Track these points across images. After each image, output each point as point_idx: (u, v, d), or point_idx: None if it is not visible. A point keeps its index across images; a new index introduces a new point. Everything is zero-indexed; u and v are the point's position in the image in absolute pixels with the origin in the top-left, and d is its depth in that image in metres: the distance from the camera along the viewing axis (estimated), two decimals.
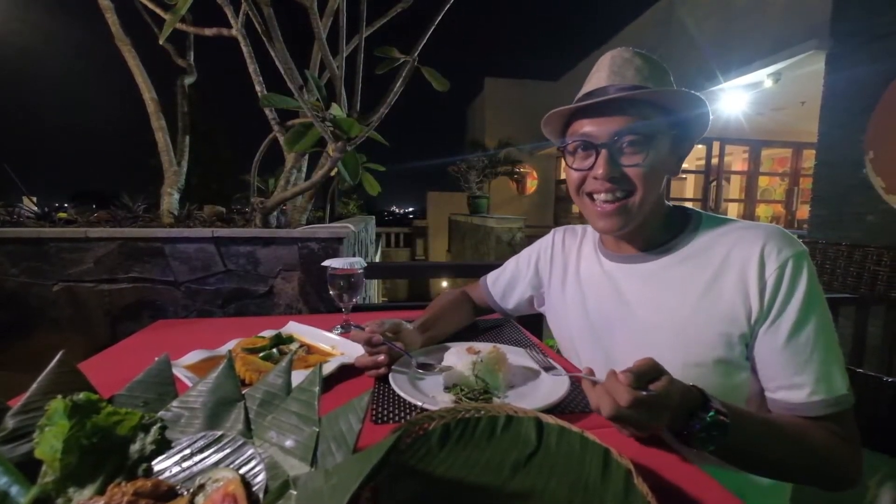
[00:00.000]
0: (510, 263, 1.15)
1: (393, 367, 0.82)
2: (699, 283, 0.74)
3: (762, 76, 4.90)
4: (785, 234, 0.71)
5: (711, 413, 0.55)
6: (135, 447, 0.45)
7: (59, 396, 0.43)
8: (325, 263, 1.11)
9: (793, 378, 0.67)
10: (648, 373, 0.54)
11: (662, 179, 0.77)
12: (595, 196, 0.77)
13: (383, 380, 0.80)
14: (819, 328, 0.67)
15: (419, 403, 0.69)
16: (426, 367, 0.82)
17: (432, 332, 0.99)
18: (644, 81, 0.73)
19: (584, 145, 0.76)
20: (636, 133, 0.71)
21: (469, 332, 1.13)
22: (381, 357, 0.82)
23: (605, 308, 0.86)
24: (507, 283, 1.13)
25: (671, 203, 0.84)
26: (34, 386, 0.48)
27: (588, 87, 0.78)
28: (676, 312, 0.75)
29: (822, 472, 0.65)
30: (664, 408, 0.54)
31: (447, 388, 0.75)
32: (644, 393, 0.52)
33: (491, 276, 1.18)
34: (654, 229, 0.81)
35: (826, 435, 0.65)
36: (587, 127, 0.74)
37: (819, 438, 0.64)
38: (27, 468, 0.42)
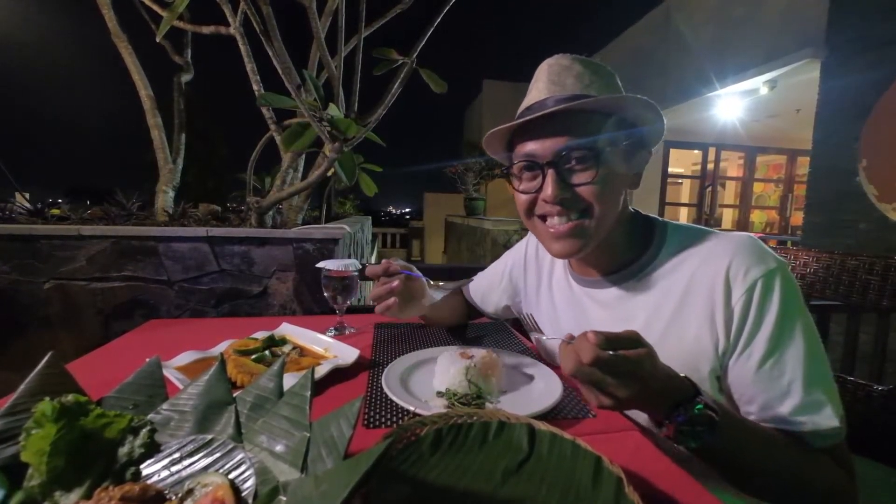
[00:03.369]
0: (490, 269, 1.13)
1: (386, 370, 0.82)
2: (664, 314, 0.69)
3: (758, 83, 4.95)
4: (755, 250, 0.64)
5: (699, 406, 0.51)
6: (123, 450, 0.45)
7: (47, 398, 0.43)
8: (320, 265, 1.10)
9: (770, 411, 0.61)
10: (625, 341, 0.51)
11: (620, 194, 0.71)
12: (548, 218, 0.71)
13: (376, 384, 0.80)
14: (797, 354, 0.60)
15: (411, 408, 0.68)
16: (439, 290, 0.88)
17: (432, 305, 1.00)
18: (585, 89, 0.67)
19: (529, 165, 0.70)
20: (583, 148, 0.65)
21: (462, 336, 1.13)
22: (395, 282, 0.85)
23: (575, 333, 0.83)
24: (484, 290, 1.11)
25: (633, 209, 0.79)
26: (21, 387, 0.47)
27: (527, 100, 0.72)
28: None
29: (815, 495, 0.59)
30: (633, 377, 0.50)
31: (440, 393, 0.75)
32: (609, 353, 0.49)
33: (475, 280, 1.16)
34: (617, 247, 0.76)
35: (823, 459, 0.60)
36: (529, 146, 0.68)
37: (814, 458, 0.59)
38: (13, 471, 0.41)
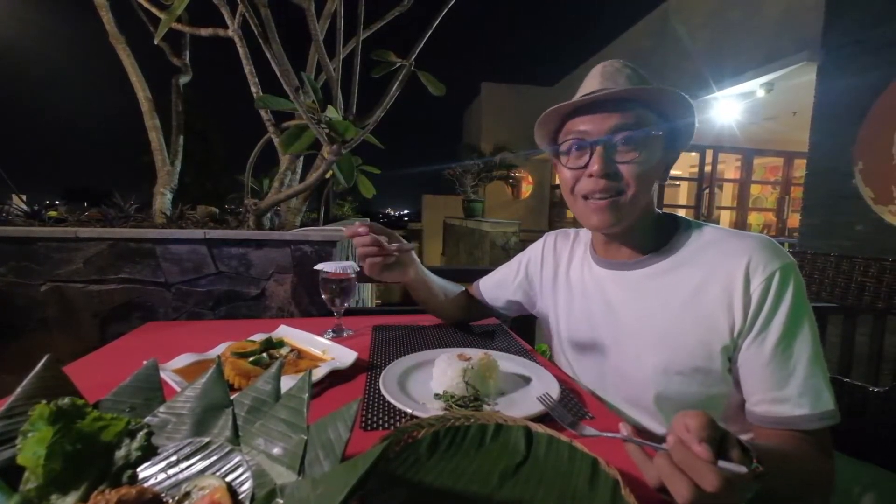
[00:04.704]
0: (502, 267, 1.17)
1: (383, 372, 0.82)
2: (684, 291, 0.75)
3: (755, 86, 4.97)
4: (772, 246, 0.71)
5: (753, 465, 0.45)
6: (120, 453, 0.45)
7: (44, 401, 0.43)
8: (318, 267, 1.10)
9: (776, 392, 0.66)
10: (715, 436, 0.44)
11: (653, 180, 0.78)
12: (589, 196, 0.78)
13: (373, 386, 0.80)
14: (804, 342, 0.66)
15: (409, 410, 0.68)
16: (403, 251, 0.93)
17: (427, 277, 1.08)
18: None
19: (579, 144, 0.77)
20: (630, 129, 0.73)
21: (460, 338, 1.13)
22: (366, 238, 0.89)
23: (593, 314, 0.87)
24: (496, 284, 1.15)
25: (661, 210, 0.86)
26: (18, 390, 0.47)
27: (582, 91, 0.80)
28: (659, 319, 0.76)
29: (811, 489, 0.63)
30: (742, 481, 0.43)
31: (437, 396, 0.75)
32: (732, 472, 0.41)
33: (485, 278, 1.20)
34: (645, 235, 0.82)
35: (815, 453, 0.64)
36: (582, 125, 0.76)
37: (812, 458, 0.63)
38: (9, 474, 0.41)
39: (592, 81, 0.79)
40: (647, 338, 0.77)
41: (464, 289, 1.23)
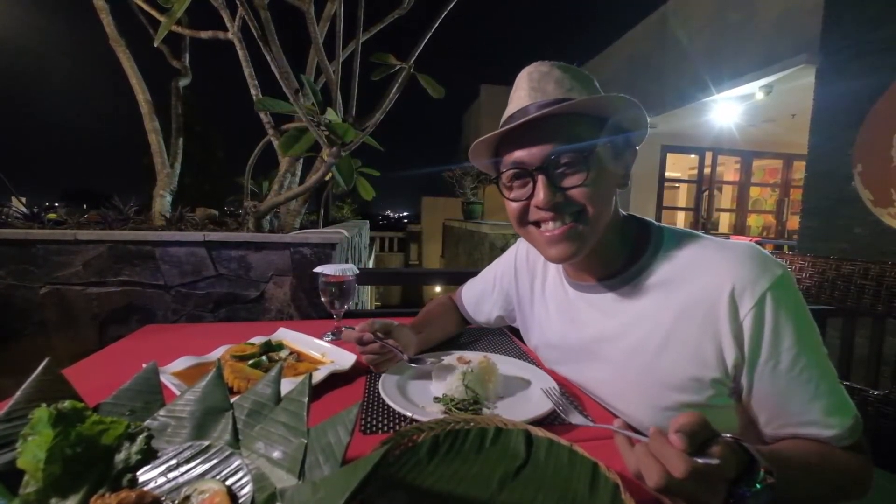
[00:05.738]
0: (480, 277, 1.12)
1: (383, 375, 0.82)
2: (664, 321, 0.67)
3: (754, 88, 4.99)
4: (758, 258, 0.63)
5: (761, 474, 0.46)
6: (120, 457, 0.45)
7: (44, 404, 0.43)
8: (317, 270, 1.10)
9: (800, 416, 0.61)
10: (701, 433, 0.44)
11: (612, 195, 0.71)
12: (542, 224, 0.70)
13: (373, 390, 0.80)
14: (815, 358, 0.61)
15: (409, 414, 0.68)
16: (418, 362, 0.86)
17: (425, 334, 0.99)
18: (567, 93, 0.67)
19: (518, 173, 0.69)
20: (571, 151, 0.65)
21: (459, 341, 1.13)
22: (375, 345, 0.85)
23: (570, 340, 0.82)
24: (477, 299, 1.10)
25: (626, 213, 0.78)
26: (18, 393, 0.47)
27: (510, 109, 0.72)
28: (641, 353, 0.69)
29: (846, 491, 0.61)
30: (722, 479, 0.44)
31: (437, 399, 0.75)
32: (702, 462, 0.42)
33: (466, 288, 1.15)
34: (611, 251, 0.74)
35: (848, 456, 0.61)
36: (517, 153, 0.68)
37: (844, 462, 0.60)
38: (9, 478, 0.41)
39: (519, 94, 0.70)
40: (630, 374, 0.71)
41: (449, 298, 1.18)
